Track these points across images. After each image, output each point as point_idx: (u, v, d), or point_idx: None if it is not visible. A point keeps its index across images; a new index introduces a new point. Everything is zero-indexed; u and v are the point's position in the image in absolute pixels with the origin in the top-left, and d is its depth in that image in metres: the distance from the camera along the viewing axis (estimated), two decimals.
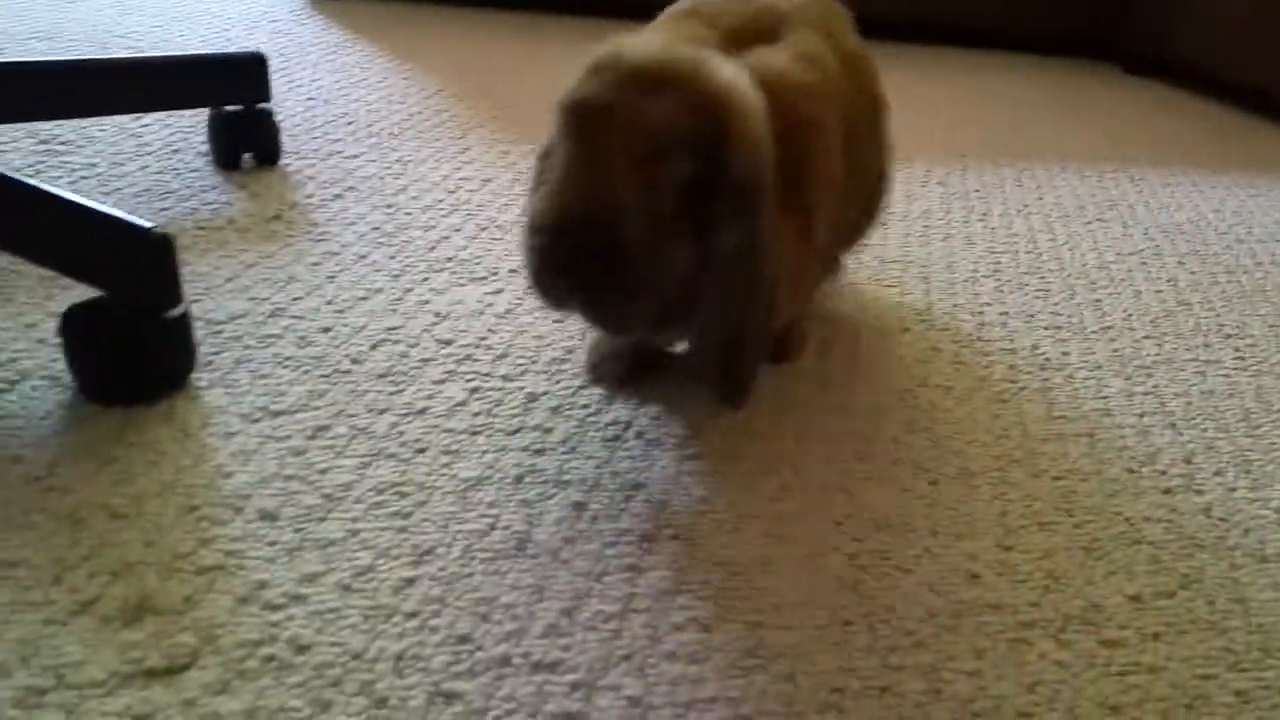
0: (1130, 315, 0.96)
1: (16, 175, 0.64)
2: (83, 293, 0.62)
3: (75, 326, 0.61)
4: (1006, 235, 1.14)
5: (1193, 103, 1.98)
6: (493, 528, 0.56)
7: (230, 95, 1.02)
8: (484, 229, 0.99)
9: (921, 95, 1.74)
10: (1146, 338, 0.92)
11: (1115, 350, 0.88)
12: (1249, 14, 1.83)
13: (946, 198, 1.24)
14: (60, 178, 0.97)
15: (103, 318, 0.60)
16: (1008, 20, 2.20)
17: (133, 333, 0.61)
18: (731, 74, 0.54)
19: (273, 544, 0.52)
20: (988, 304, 0.95)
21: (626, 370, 0.74)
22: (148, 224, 0.60)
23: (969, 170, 1.36)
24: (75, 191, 0.94)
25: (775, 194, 0.57)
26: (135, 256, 0.60)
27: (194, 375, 0.67)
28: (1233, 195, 1.38)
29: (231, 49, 1.51)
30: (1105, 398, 0.80)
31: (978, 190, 1.28)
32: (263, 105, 1.05)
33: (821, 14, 0.73)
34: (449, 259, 0.91)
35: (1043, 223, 1.19)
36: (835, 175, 0.68)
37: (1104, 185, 1.36)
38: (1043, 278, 1.03)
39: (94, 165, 1.01)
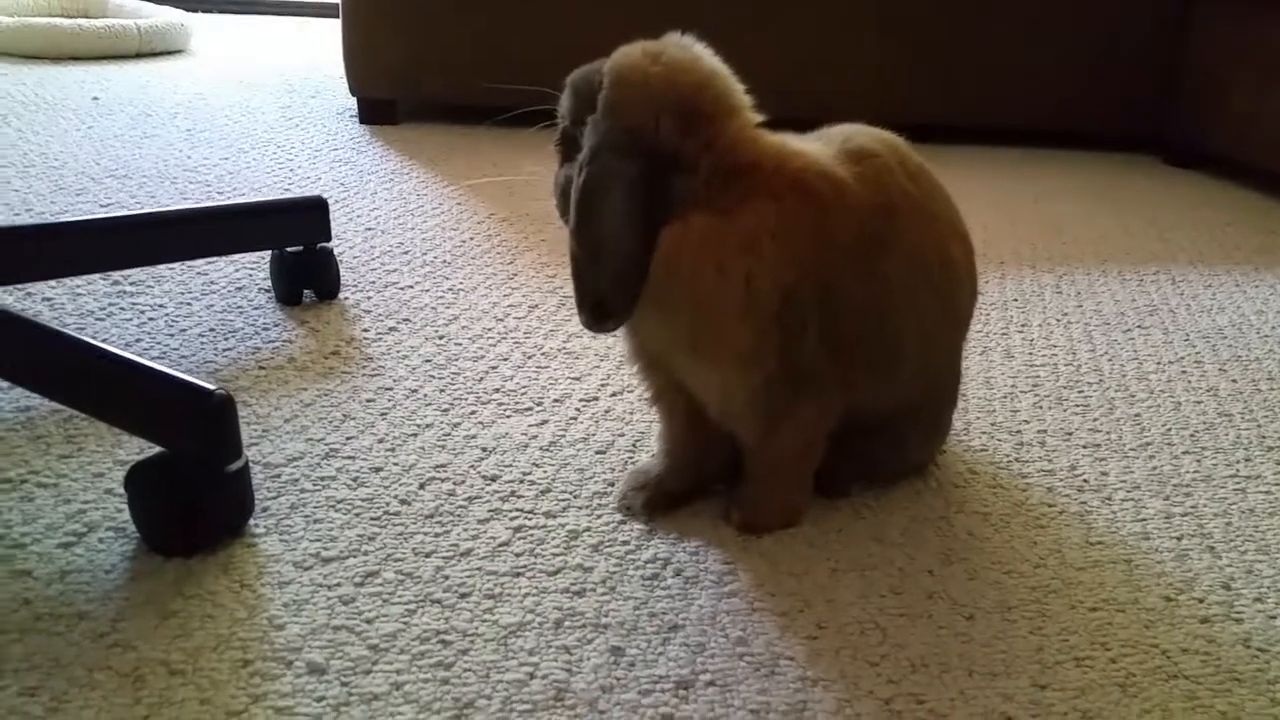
0: (1169, 430, 0.96)
1: (88, 339, 0.70)
2: (145, 446, 0.66)
3: (139, 482, 0.65)
4: (1045, 347, 1.15)
5: (1234, 193, 1.98)
6: (532, 676, 0.58)
7: (292, 237, 1.08)
8: (530, 356, 1.03)
9: (961, 198, 1.77)
10: (1186, 453, 0.92)
11: (1154, 468, 0.88)
12: None
13: (985, 308, 1.25)
14: (130, 319, 1.04)
15: (166, 473, 0.65)
16: (1051, 118, 2.23)
17: (194, 487, 0.65)
18: (628, 56, 0.69)
19: (320, 699, 0.55)
20: (1025, 422, 0.96)
21: (652, 501, 0.76)
22: (210, 386, 0.65)
23: (1008, 277, 1.38)
24: (144, 332, 1.01)
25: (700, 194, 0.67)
26: (197, 417, 0.64)
27: (252, 521, 0.70)
28: (1276, 294, 1.37)
29: (294, 178, 1.60)
30: (1143, 520, 0.80)
31: (1016, 299, 1.30)
32: (323, 244, 1.11)
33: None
34: (496, 389, 0.95)
35: (1082, 332, 1.20)
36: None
37: (1145, 288, 1.37)
38: (1081, 392, 1.03)
39: (162, 306, 1.08)
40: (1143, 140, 2.30)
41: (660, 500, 0.77)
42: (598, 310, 0.69)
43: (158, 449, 0.67)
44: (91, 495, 0.72)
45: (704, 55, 0.71)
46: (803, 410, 0.73)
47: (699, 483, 0.79)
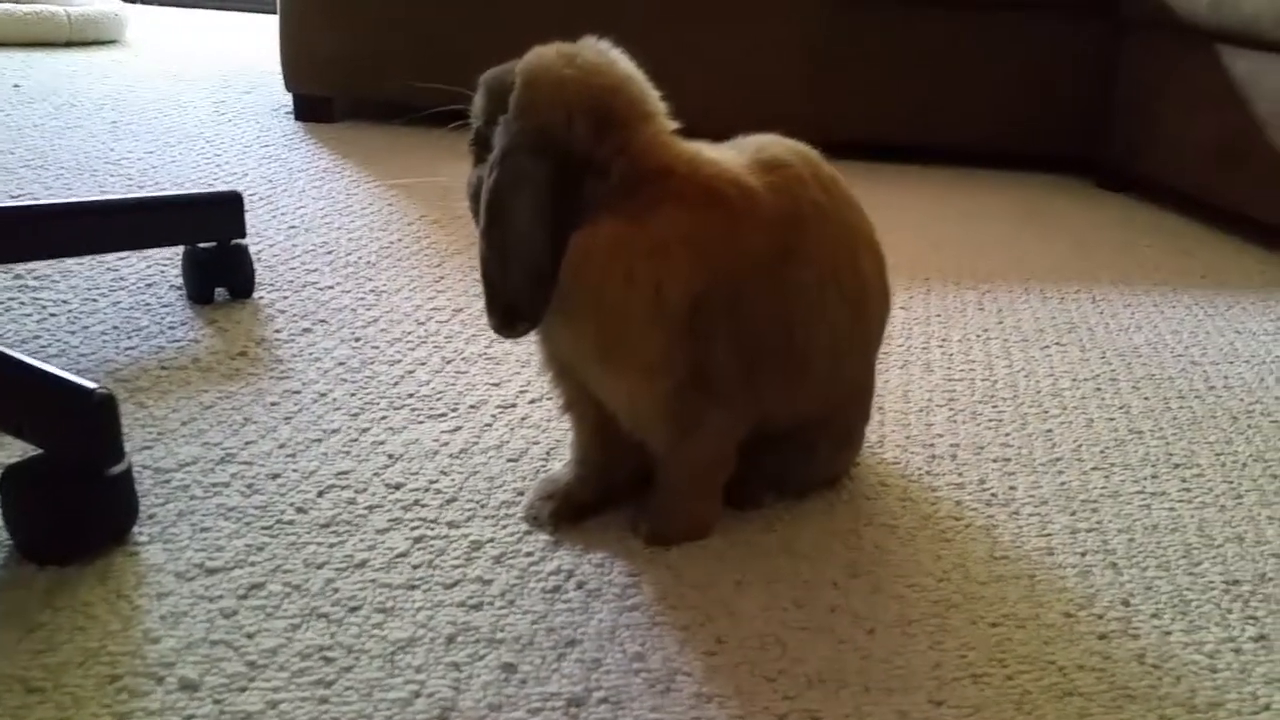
0: (1080, 446, 0.97)
1: None
2: (24, 448, 0.63)
3: (12, 484, 0.62)
4: (964, 362, 1.16)
5: (1159, 216, 2.03)
6: (417, 695, 0.57)
7: (206, 233, 1.05)
8: (450, 361, 1.01)
9: (891, 215, 1.79)
10: (1094, 469, 0.93)
11: (1062, 484, 0.89)
12: (1217, 129, 1.89)
13: (908, 323, 1.26)
14: (30, 314, 1.00)
15: (41, 475, 0.62)
16: (985, 140, 2.26)
17: (71, 491, 0.62)
18: (541, 57, 0.68)
19: (190, 717, 0.52)
20: (939, 435, 0.96)
21: (559, 511, 0.75)
22: (90, 384, 0.62)
23: (932, 293, 1.39)
24: (43, 328, 0.97)
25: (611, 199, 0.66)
26: (77, 417, 0.62)
27: (135, 529, 0.68)
28: (1191, 314, 1.40)
29: (220, 174, 1.56)
30: (1048, 535, 0.81)
31: (939, 315, 1.31)
32: (237, 241, 1.08)
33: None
34: (410, 395, 0.93)
35: (1001, 348, 1.21)
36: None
37: (1066, 306, 1.39)
38: (996, 407, 1.04)
39: (66, 301, 1.04)
40: (1076, 163, 2.34)
41: (567, 511, 0.76)
42: (508, 314, 0.68)
43: (35, 450, 0.64)
44: None
45: (619, 59, 0.71)
46: (712, 419, 0.72)
47: (608, 493, 0.78)
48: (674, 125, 0.72)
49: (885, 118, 2.18)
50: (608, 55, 0.70)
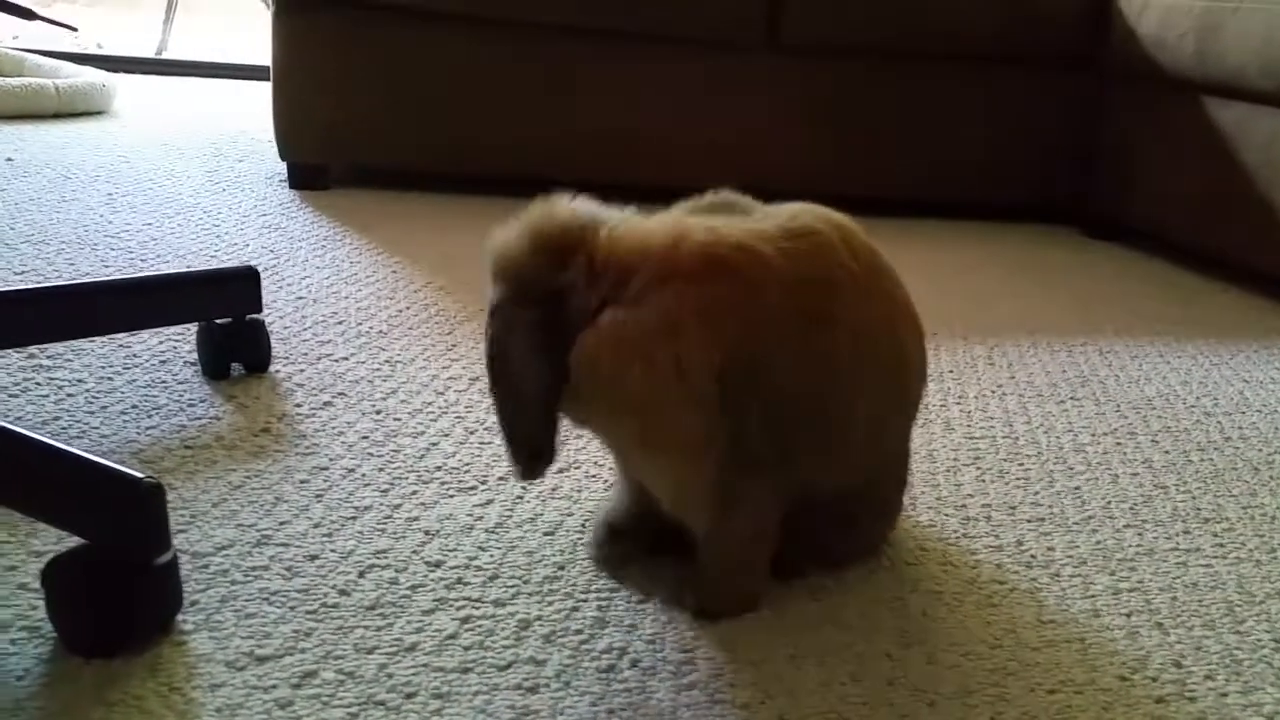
0: (1109, 503, 0.97)
1: (3, 424, 0.65)
2: (60, 536, 0.62)
3: (58, 577, 0.60)
4: (983, 419, 1.16)
5: (1151, 265, 2.06)
6: None
7: (222, 309, 1.04)
8: (472, 432, 1.01)
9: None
10: (1127, 526, 0.93)
11: (1098, 543, 0.89)
12: (1204, 178, 1.93)
13: None
14: (47, 396, 0.98)
15: (87, 567, 0.60)
16: (972, 191, 2.30)
17: (118, 582, 0.60)
18: (496, 234, 0.73)
19: None
20: (970, 496, 0.96)
21: (626, 554, 0.77)
22: (137, 474, 0.61)
23: (942, 349, 1.40)
24: (62, 409, 0.96)
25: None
26: (124, 507, 0.60)
27: (180, 617, 0.66)
28: (1198, 365, 1.42)
29: (221, 245, 1.55)
30: (1092, 597, 0.81)
31: (952, 371, 1.32)
32: (253, 316, 1.07)
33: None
34: (438, 468, 0.92)
35: (1018, 403, 1.22)
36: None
37: (1074, 360, 1.40)
38: (1022, 465, 1.04)
39: (82, 381, 1.02)
40: (1063, 213, 2.39)
41: (632, 552, 0.76)
42: (530, 459, 0.71)
43: (77, 540, 0.62)
44: (2, 590, 0.67)
45: (559, 202, 0.74)
46: (752, 493, 0.72)
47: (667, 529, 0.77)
48: (633, 217, 0.73)
49: (872, 172, 2.22)
50: (548, 203, 0.73)
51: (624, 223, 0.72)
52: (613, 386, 0.68)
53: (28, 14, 0.68)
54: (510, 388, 0.71)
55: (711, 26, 2.03)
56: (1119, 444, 1.12)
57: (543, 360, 0.69)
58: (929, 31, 2.12)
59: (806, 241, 0.73)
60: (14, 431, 0.65)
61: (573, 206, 0.73)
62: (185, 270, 1.02)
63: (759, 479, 0.71)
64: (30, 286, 0.91)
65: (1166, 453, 1.11)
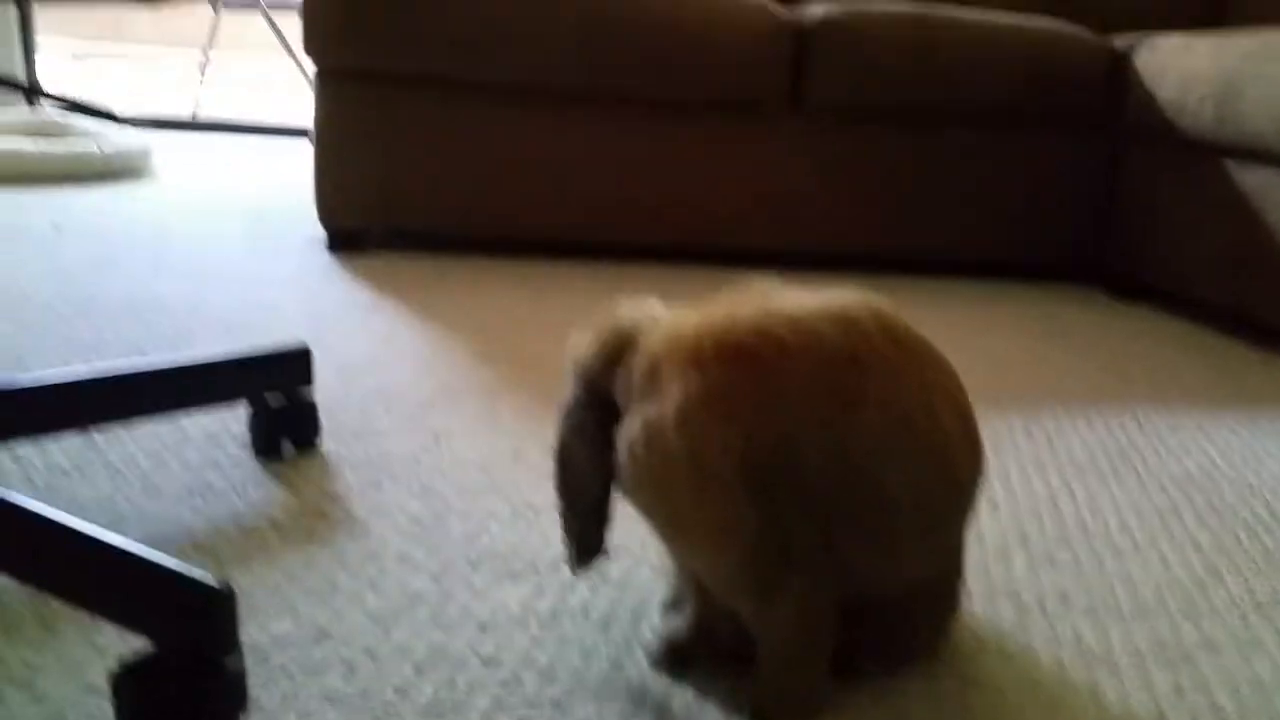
0: (1162, 590, 0.96)
1: (75, 521, 0.66)
2: (117, 635, 0.63)
3: (130, 683, 0.61)
4: (1028, 497, 1.16)
5: (1178, 327, 2.06)
6: None
7: (275, 387, 1.06)
8: (519, 513, 1.01)
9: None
10: (1183, 616, 0.92)
11: (1154, 635, 0.88)
12: (1227, 239, 1.93)
13: None
14: (102, 476, 0.99)
15: (162, 673, 0.61)
16: (995, 251, 2.31)
17: (188, 687, 0.61)
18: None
19: None
20: (1022, 583, 0.96)
21: (679, 655, 0.77)
22: (210, 580, 0.62)
23: (979, 420, 1.39)
24: (117, 491, 0.97)
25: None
26: (196, 612, 0.61)
27: (242, 715, 0.66)
28: (1237, 436, 1.41)
29: (263, 312, 1.58)
30: (1155, 695, 0.80)
31: (990, 443, 1.31)
32: (304, 393, 1.09)
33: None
34: (487, 552, 0.93)
35: (1060, 480, 1.21)
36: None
37: (1112, 432, 1.40)
38: (1070, 548, 1.04)
39: (135, 461, 1.04)
40: (1086, 271, 2.39)
41: (690, 657, 0.78)
42: (583, 555, 0.75)
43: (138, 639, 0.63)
44: (69, 691, 0.68)
45: (623, 304, 0.77)
46: (794, 584, 0.71)
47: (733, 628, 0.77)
48: (683, 311, 0.75)
49: (896, 231, 2.24)
50: (615, 307, 0.77)
51: (665, 318, 0.74)
52: (639, 479, 0.71)
53: (110, 116, 0.70)
54: (569, 486, 0.74)
55: (737, 91, 2.06)
56: (1165, 524, 1.11)
57: (599, 460, 0.72)
58: (948, 94, 2.14)
59: (835, 324, 0.72)
60: (84, 530, 0.66)
61: (632, 307, 0.74)
62: (240, 351, 1.03)
63: (801, 570, 0.71)
64: (87, 370, 0.93)
65: (1214, 533, 1.10)
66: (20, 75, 2.98)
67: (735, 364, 0.69)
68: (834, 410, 0.70)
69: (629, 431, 0.70)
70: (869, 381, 0.71)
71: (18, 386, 0.89)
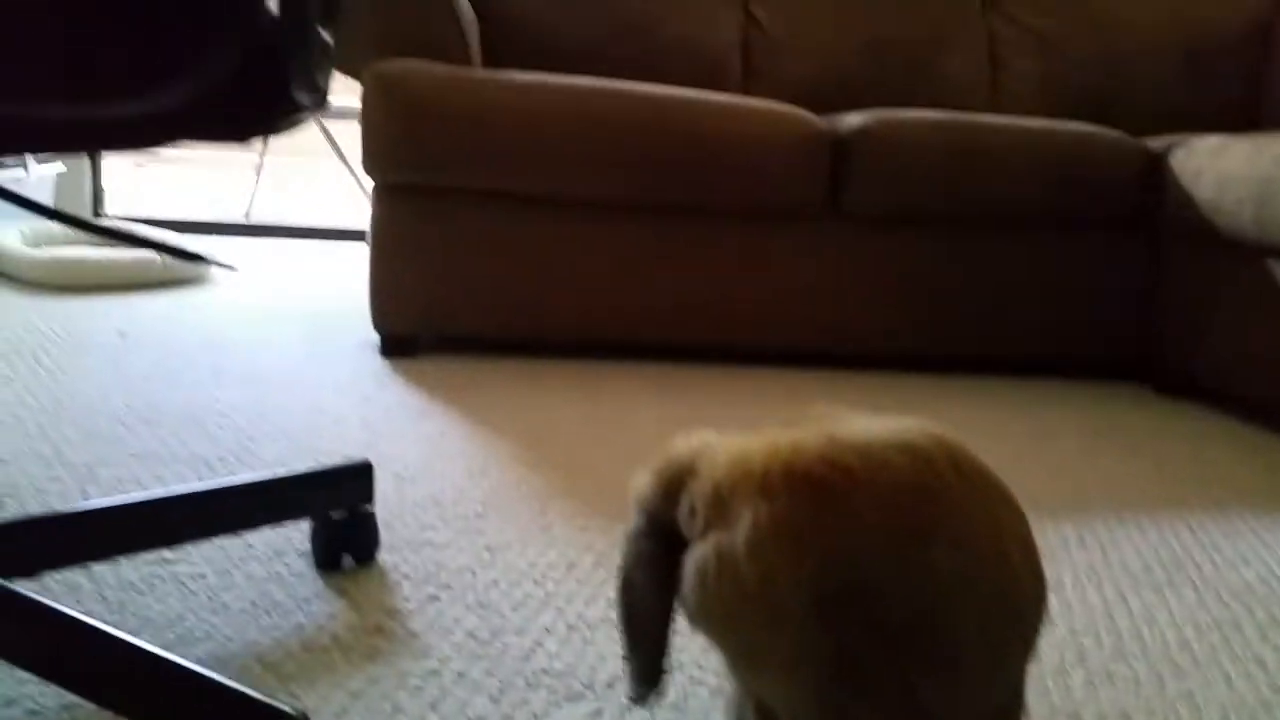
0: (1227, 711, 0.95)
1: (161, 652, 0.69)
2: None
3: None
4: (1084, 610, 1.15)
5: (1227, 426, 2.04)
6: None
7: (338, 503, 1.09)
8: (573, 628, 1.02)
9: (966, 434, 1.81)
10: None
11: None
12: (1270, 340, 1.93)
13: None
14: (172, 593, 1.02)
15: None
16: (1039, 349, 2.32)
17: None
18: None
19: None
20: (1082, 703, 0.95)
21: None
22: (287, 708, 0.64)
23: (1032, 528, 1.39)
24: (187, 608, 1.00)
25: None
26: None
27: None
28: None
29: (322, 420, 1.62)
30: None
31: (1045, 552, 1.30)
32: (365, 508, 1.12)
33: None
34: (544, 670, 0.94)
35: (1115, 592, 1.21)
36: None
37: (1165, 539, 1.39)
38: (1129, 664, 1.03)
39: (203, 576, 1.07)
40: (1130, 368, 2.38)
41: None
42: (642, 685, 0.76)
43: None
44: None
45: (683, 436, 0.80)
46: (864, 714, 0.71)
47: None
48: (743, 439, 0.77)
49: (938, 332, 2.26)
50: (675, 439, 0.79)
51: (726, 446, 0.76)
52: (709, 608, 0.71)
53: (197, 258, 0.75)
54: (631, 617, 0.75)
55: (777, 199, 2.12)
56: (1226, 638, 1.10)
57: (660, 591, 0.73)
58: (984, 199, 2.18)
59: (902, 454, 0.74)
60: (167, 659, 0.68)
61: (691, 438, 0.77)
62: (304, 470, 1.07)
63: (873, 702, 0.71)
64: (161, 491, 0.97)
65: (1278, 649, 1.08)
66: (88, 190, 3.14)
67: (805, 493, 0.70)
68: (905, 542, 0.71)
69: (697, 560, 0.71)
70: (939, 514, 0.72)
71: (93, 509, 0.93)
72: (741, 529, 0.70)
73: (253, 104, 0.58)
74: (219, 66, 0.54)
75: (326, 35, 0.69)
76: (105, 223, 2.78)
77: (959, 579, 0.72)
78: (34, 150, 0.63)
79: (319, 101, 0.70)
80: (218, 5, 0.55)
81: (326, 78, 0.71)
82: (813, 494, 0.70)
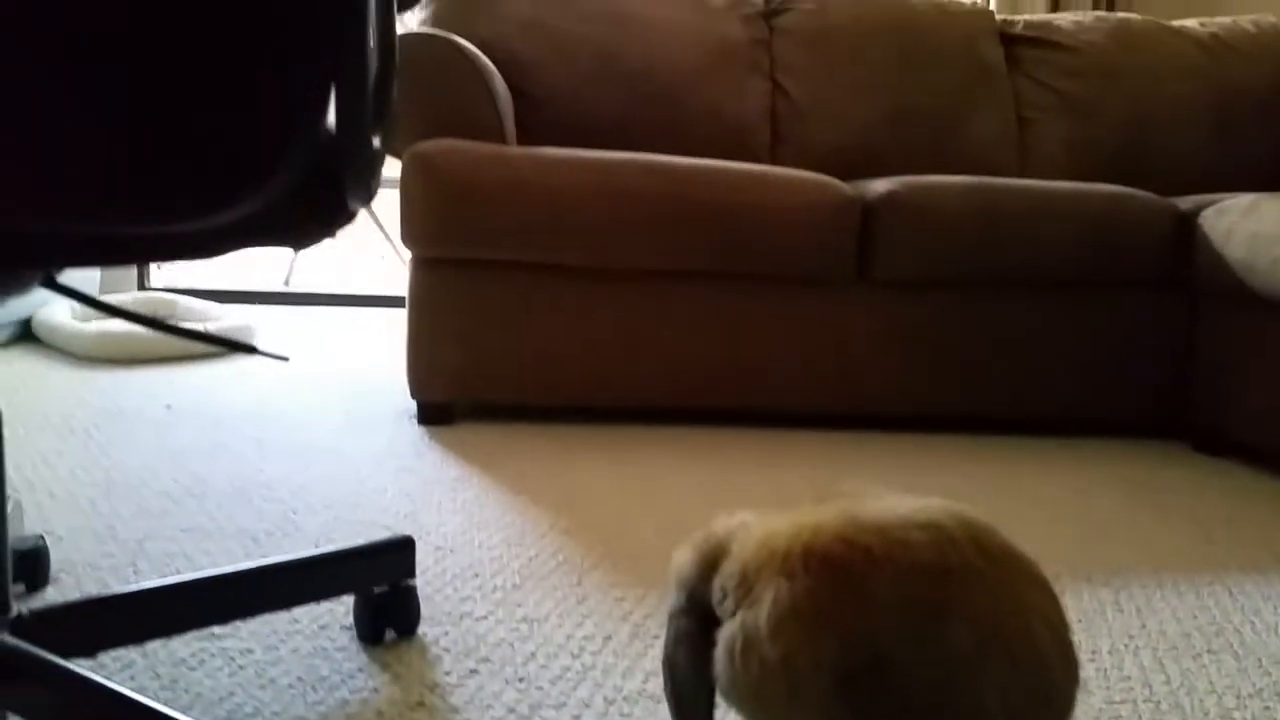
0: None
1: None
2: None
3: None
4: (1120, 679, 1.14)
5: (1265, 484, 2.02)
6: None
7: (381, 578, 1.12)
8: (612, 702, 1.04)
9: (1002, 498, 1.82)
10: None
11: None
12: None
13: None
14: (221, 669, 1.05)
15: None
16: (1073, 408, 2.31)
17: None
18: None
19: None
20: None
21: None
22: None
23: (1067, 591, 1.39)
24: (235, 684, 1.03)
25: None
26: None
27: None
28: None
29: (363, 491, 1.66)
30: None
31: (1080, 620, 1.31)
32: (407, 583, 1.15)
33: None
34: None
35: (1153, 659, 1.20)
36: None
37: (1204, 603, 1.38)
38: None
39: (250, 651, 1.10)
40: (1167, 426, 2.37)
41: None
42: None
43: None
44: None
45: (725, 518, 0.83)
46: None
47: None
48: (773, 518, 0.80)
49: (970, 393, 2.26)
50: (713, 520, 0.83)
51: (759, 526, 0.79)
52: (736, 685, 0.74)
53: (249, 349, 0.79)
54: (675, 691, 0.77)
55: (806, 265, 2.16)
56: (1267, 708, 1.09)
57: (700, 670, 0.76)
58: (1013, 262, 2.20)
59: (924, 532, 0.75)
60: None
61: (728, 518, 0.80)
62: (348, 548, 1.10)
63: None
64: (211, 571, 1.01)
65: None
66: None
67: (823, 573, 0.73)
68: (923, 622, 0.72)
69: (726, 638, 0.74)
70: (957, 592, 0.73)
71: (149, 589, 0.97)
72: (764, 609, 0.72)
73: (311, 216, 0.63)
74: (281, 185, 0.58)
75: (378, 141, 0.74)
76: (159, 316, 2.88)
77: (978, 656, 0.73)
78: (99, 265, 0.67)
79: (369, 200, 0.75)
80: (283, 127, 0.59)
81: (378, 181, 0.76)
82: (831, 574, 0.73)
